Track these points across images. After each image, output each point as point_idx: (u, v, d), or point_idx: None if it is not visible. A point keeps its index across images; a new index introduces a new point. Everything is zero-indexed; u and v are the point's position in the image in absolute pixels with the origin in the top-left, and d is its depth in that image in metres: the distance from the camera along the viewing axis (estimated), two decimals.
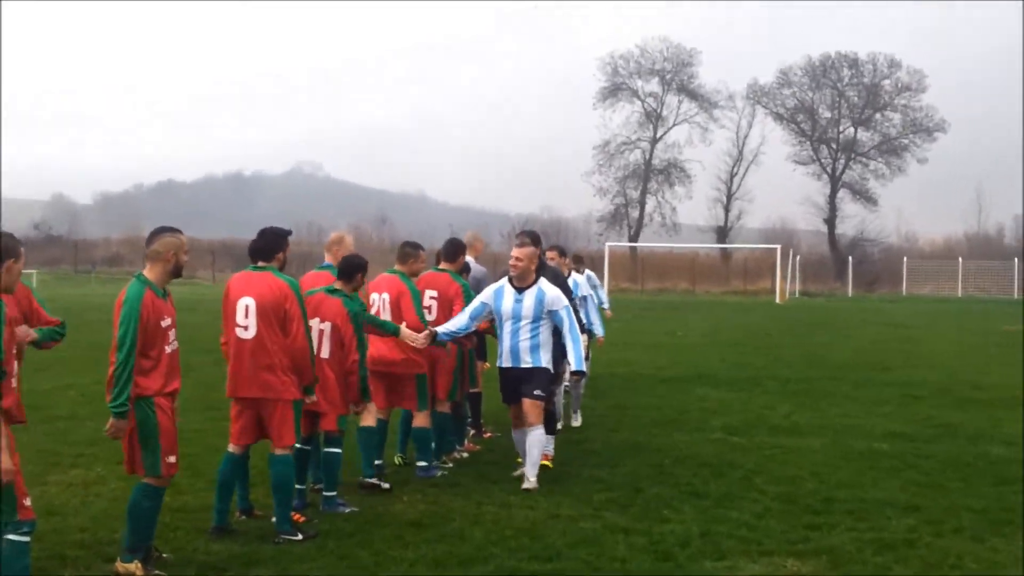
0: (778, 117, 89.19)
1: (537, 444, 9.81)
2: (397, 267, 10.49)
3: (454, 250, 11.07)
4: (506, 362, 9.95)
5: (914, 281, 74.66)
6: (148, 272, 7.18)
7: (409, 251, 10.55)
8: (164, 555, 7.46)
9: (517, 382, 9.91)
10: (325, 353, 8.86)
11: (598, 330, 13.95)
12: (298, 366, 8.12)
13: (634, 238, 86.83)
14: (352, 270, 9.25)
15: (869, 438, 12.74)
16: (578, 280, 13.63)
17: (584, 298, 13.55)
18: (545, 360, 9.94)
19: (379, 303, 10.26)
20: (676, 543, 7.88)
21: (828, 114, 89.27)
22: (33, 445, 10.56)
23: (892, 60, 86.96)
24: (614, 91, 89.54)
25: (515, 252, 9.98)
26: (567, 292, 10.54)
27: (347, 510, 8.94)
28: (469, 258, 11.80)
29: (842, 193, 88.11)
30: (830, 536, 8.17)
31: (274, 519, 8.14)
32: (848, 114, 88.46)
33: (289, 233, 8.61)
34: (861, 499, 9.42)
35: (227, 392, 8.27)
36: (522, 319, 9.83)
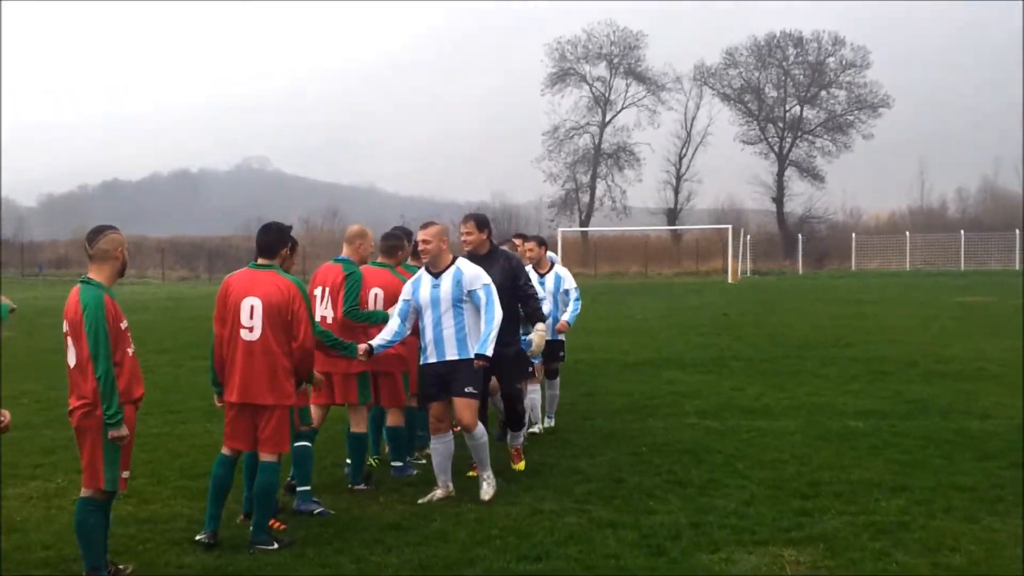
0: (725, 97, 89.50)
1: (483, 448, 9.07)
2: (382, 260, 10.13)
3: (388, 246, 10.29)
4: (430, 356, 8.93)
5: (862, 256, 75.23)
6: (95, 274, 6.80)
7: (395, 243, 10.21)
8: (121, 567, 7.12)
9: (443, 380, 8.91)
10: None
11: (565, 315, 12.15)
12: (303, 368, 7.89)
13: (585, 223, 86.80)
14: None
15: (843, 416, 12.61)
16: (561, 273, 12.24)
17: (567, 291, 12.17)
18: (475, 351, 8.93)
19: (372, 297, 9.84)
20: (667, 536, 7.64)
21: (774, 93, 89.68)
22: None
23: (836, 38, 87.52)
24: (562, 76, 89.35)
25: (420, 234, 9.06)
26: (516, 278, 9.72)
27: (319, 510, 8.64)
28: None
29: (789, 171, 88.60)
30: (822, 521, 7.97)
31: (251, 527, 7.80)
32: (794, 92, 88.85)
33: (290, 228, 8.24)
34: (847, 481, 9.25)
35: (229, 396, 7.80)
36: (441, 305, 8.85)
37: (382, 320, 9.29)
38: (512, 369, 9.86)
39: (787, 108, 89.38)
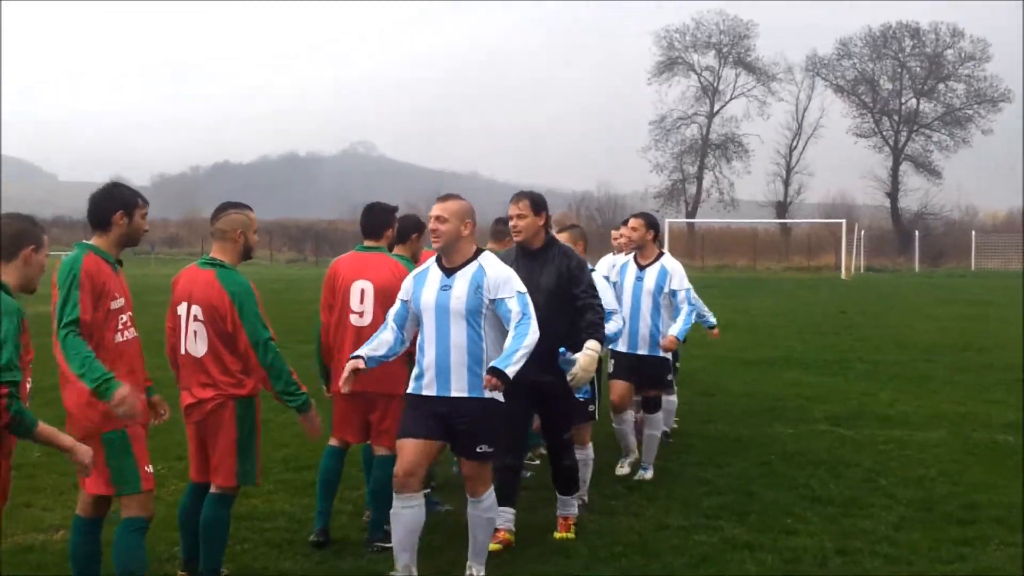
0: (838, 89, 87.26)
1: (487, 525, 6.51)
2: (491, 246, 9.42)
3: (497, 230, 8.99)
4: (427, 387, 6.25)
5: (981, 255, 72.65)
6: (219, 254, 6.29)
7: (504, 228, 9.50)
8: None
9: (440, 420, 6.22)
10: None
11: (673, 327, 9.24)
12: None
13: (691, 214, 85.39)
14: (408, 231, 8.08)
15: (989, 430, 11.63)
16: (668, 267, 9.29)
17: (674, 293, 9.28)
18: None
19: None
20: (813, 562, 6.87)
21: (889, 85, 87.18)
22: None
23: (955, 29, 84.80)
24: (670, 65, 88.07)
25: (434, 208, 6.36)
26: (575, 283, 7.22)
27: (443, 508, 8.18)
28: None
29: (904, 166, 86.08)
30: (985, 553, 7.11)
31: (369, 524, 7.40)
32: (910, 85, 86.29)
33: (396, 209, 7.67)
34: (1005, 505, 8.33)
35: (333, 387, 7.31)
36: (451, 316, 6.20)
37: None
38: (562, 408, 7.30)
39: (903, 101, 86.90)
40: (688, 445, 10.71)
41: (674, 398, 10.90)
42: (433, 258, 6.48)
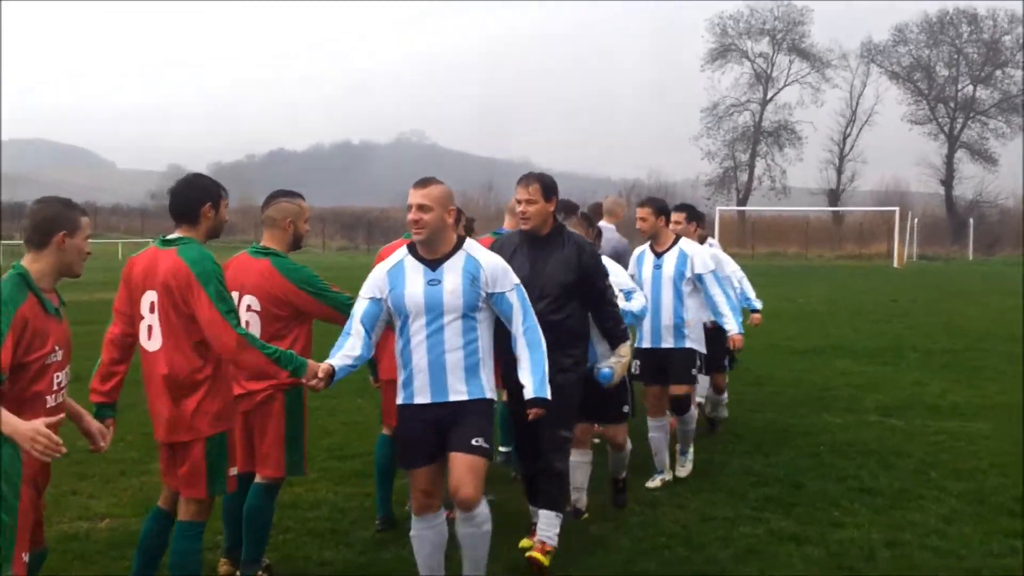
0: (893, 76, 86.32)
1: (483, 539, 5.81)
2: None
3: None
4: (419, 394, 5.63)
5: None
6: (269, 242, 6.27)
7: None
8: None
9: (441, 430, 5.62)
10: None
11: (731, 324, 8.80)
12: None
13: (743, 202, 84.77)
14: None
15: None
16: (689, 251, 8.67)
17: (699, 277, 8.63)
18: (490, 387, 5.69)
19: None
20: (860, 556, 6.74)
21: (946, 72, 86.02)
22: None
23: (1013, 15, 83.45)
24: (723, 52, 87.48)
25: (413, 195, 5.60)
26: (588, 276, 6.62)
27: (488, 497, 8.06)
28: (608, 225, 9.95)
29: (960, 153, 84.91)
30: None
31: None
32: (967, 71, 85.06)
33: None
34: None
35: (387, 375, 7.19)
36: (445, 313, 5.54)
37: None
38: (561, 406, 6.23)
39: (959, 88, 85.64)
40: (736, 435, 10.60)
41: (724, 396, 11.06)
42: (403, 249, 5.78)
